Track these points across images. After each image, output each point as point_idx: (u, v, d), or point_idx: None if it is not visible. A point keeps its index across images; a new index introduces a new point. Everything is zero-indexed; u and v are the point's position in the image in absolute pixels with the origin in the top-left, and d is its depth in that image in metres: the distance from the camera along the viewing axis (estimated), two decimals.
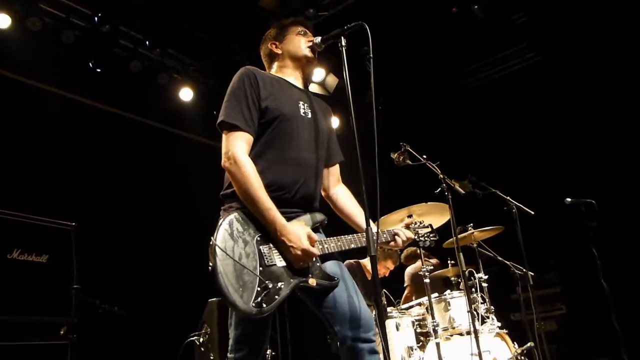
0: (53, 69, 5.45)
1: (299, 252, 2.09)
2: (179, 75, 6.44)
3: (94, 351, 4.35)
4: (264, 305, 2.00)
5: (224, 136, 2.27)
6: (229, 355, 2.24)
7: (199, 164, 6.49)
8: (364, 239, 2.17)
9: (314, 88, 6.56)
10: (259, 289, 2.01)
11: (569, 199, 4.23)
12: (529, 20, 6.33)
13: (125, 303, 3.98)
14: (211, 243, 2.02)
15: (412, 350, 3.99)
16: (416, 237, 2.54)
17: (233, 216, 2.12)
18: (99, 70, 5.76)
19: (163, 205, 6.14)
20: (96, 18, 5.51)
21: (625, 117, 5.81)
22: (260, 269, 2.06)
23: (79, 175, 5.39)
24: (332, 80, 6.72)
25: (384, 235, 2.44)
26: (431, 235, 2.58)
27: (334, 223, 2.50)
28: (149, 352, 5.07)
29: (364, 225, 2.06)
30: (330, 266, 2.26)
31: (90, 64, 5.71)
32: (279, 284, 2.07)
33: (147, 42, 5.95)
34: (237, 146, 2.20)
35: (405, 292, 5.68)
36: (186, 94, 6.45)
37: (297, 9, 5.92)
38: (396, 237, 2.44)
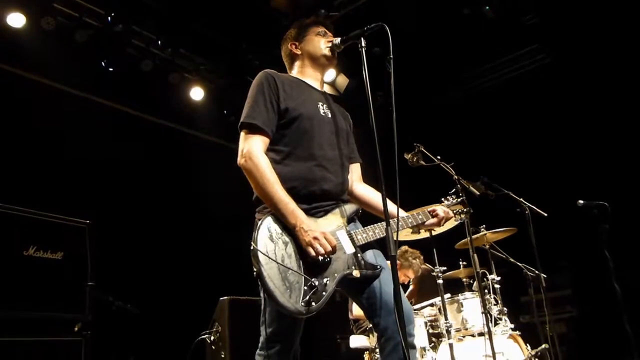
0: (66, 68, 5.49)
1: (317, 234, 2.07)
2: (190, 75, 6.48)
3: (108, 347, 4.38)
4: (313, 304, 2.01)
5: (241, 135, 2.29)
6: (259, 352, 2.24)
7: (210, 163, 6.54)
8: (401, 223, 2.17)
9: (324, 88, 6.56)
10: (305, 287, 2.02)
11: (581, 201, 4.21)
12: (540, 21, 6.31)
13: (138, 300, 4.01)
14: (252, 248, 2.02)
15: (425, 351, 3.99)
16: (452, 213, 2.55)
17: (270, 218, 2.12)
18: (111, 69, 5.81)
19: (175, 204, 6.17)
20: (109, 18, 5.55)
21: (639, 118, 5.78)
22: (304, 267, 2.07)
23: (92, 173, 5.43)
24: (342, 81, 6.74)
25: (419, 217, 2.45)
26: (465, 210, 2.59)
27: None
28: (161, 349, 5.10)
29: (391, 211, 2.07)
30: (371, 256, 2.27)
31: (103, 63, 5.77)
32: (325, 280, 2.07)
33: (159, 42, 5.99)
34: (253, 144, 2.22)
35: (410, 288, 5.66)
36: (197, 93, 6.50)
37: (308, 9, 5.93)
38: (434, 214, 2.47)
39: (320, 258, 2.07)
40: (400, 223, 2.09)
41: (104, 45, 5.64)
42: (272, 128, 2.29)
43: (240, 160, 2.23)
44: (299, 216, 2.11)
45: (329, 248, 2.08)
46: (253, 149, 2.20)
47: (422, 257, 5.46)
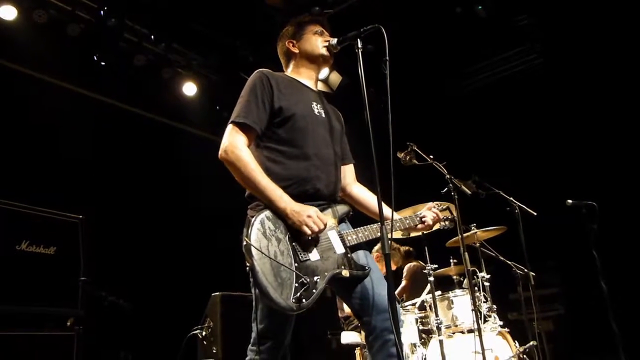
0: (58, 62, 5.44)
1: (310, 212, 2.12)
2: (183, 70, 6.45)
3: (100, 342, 4.38)
4: (304, 301, 2.04)
5: (226, 130, 2.30)
6: (251, 347, 2.27)
7: (202, 159, 6.51)
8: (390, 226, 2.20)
9: (318, 86, 6.57)
10: (297, 284, 2.05)
11: (570, 201, 4.27)
12: (532, 21, 6.36)
13: (130, 296, 4.01)
14: (245, 243, 2.04)
15: (415, 347, 4.04)
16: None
17: (264, 215, 2.14)
18: (103, 63, 5.75)
19: (167, 199, 6.15)
20: (102, 11, 5.51)
21: (628, 119, 5.86)
22: (296, 264, 2.10)
23: (84, 167, 5.40)
24: (335, 78, 6.75)
25: (407, 222, 2.50)
26: (450, 217, 2.64)
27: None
28: (153, 345, 5.11)
29: (386, 214, 2.10)
30: (362, 256, 2.31)
31: (95, 57, 5.70)
32: (315, 278, 2.11)
33: (152, 37, 5.96)
34: (236, 138, 2.24)
35: (403, 284, 5.71)
36: (190, 89, 6.46)
37: (302, 6, 5.92)
38: (424, 219, 2.52)
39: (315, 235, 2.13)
40: (389, 225, 2.12)
41: (97, 40, 5.59)
42: (262, 127, 2.31)
43: (221, 153, 2.24)
44: (287, 200, 2.15)
45: (322, 225, 2.15)
46: (235, 142, 2.22)
47: (402, 252, 5.56)
